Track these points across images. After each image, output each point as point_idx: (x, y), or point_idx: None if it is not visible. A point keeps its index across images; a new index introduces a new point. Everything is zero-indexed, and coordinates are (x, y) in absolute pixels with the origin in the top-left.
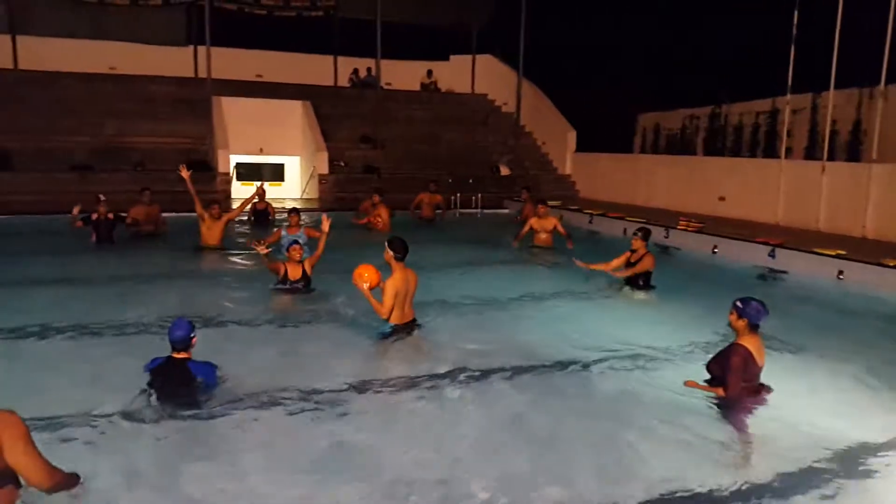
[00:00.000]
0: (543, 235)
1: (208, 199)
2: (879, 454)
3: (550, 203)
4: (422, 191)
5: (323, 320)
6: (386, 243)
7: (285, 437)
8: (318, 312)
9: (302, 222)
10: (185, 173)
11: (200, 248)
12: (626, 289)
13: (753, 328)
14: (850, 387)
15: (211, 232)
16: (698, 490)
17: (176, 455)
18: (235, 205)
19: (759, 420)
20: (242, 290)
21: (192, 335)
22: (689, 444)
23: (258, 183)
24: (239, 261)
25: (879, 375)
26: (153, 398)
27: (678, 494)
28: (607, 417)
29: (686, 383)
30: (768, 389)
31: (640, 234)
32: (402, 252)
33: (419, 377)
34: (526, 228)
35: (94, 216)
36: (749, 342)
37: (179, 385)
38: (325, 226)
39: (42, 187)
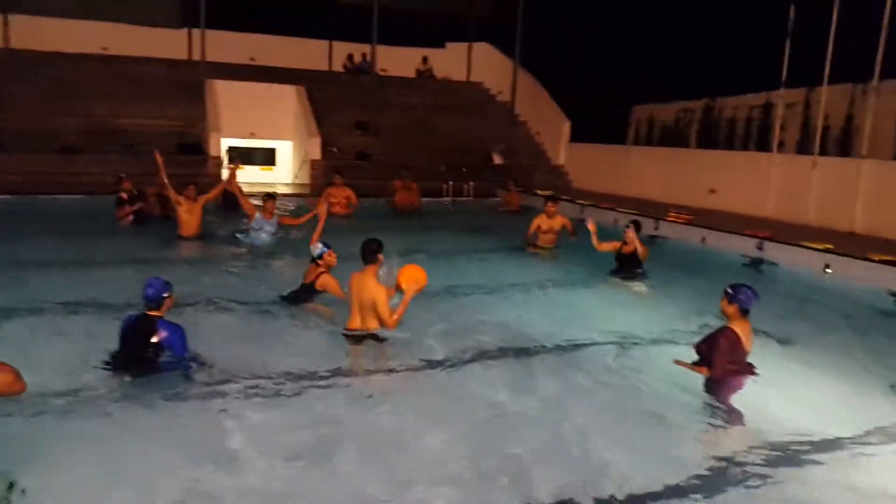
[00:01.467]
0: (549, 235)
1: (182, 182)
2: (853, 442)
3: (540, 193)
4: (396, 178)
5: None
6: None
7: (251, 420)
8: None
9: (277, 210)
10: (159, 158)
11: (181, 238)
12: (617, 278)
13: (744, 313)
14: (832, 376)
15: (191, 216)
16: (677, 468)
17: (139, 432)
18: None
19: (740, 403)
20: (207, 278)
21: (166, 294)
22: (670, 423)
23: (229, 165)
24: (219, 246)
25: (860, 366)
26: (121, 367)
27: (658, 472)
28: (593, 399)
29: (675, 361)
30: (753, 372)
31: (632, 225)
32: (361, 251)
33: (399, 367)
34: (532, 228)
35: (124, 195)
36: (739, 327)
37: (145, 341)
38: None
39: (30, 168)
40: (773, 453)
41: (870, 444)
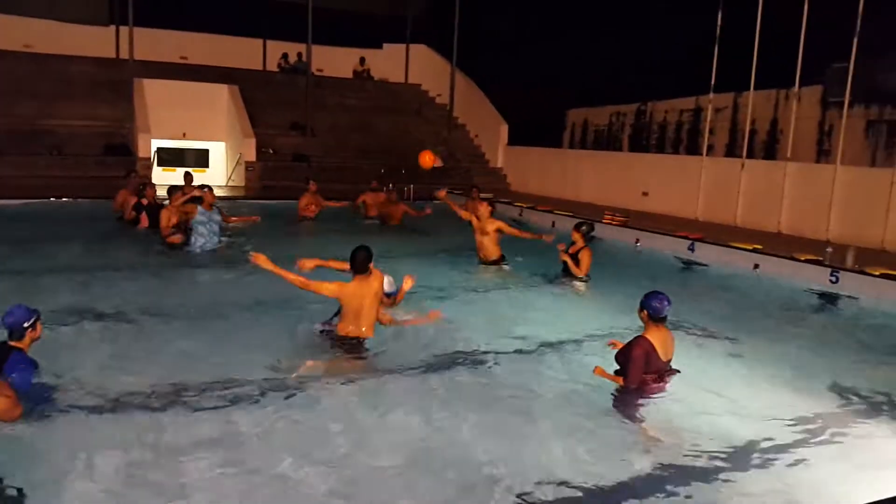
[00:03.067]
0: (485, 241)
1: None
2: (782, 441)
3: (483, 196)
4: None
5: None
6: None
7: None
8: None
9: (219, 205)
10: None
11: (165, 245)
12: (561, 279)
13: (656, 321)
14: (761, 373)
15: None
16: (594, 477)
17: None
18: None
19: (662, 408)
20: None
21: (26, 324)
22: (589, 431)
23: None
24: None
25: (789, 362)
26: None
27: (573, 481)
28: (513, 404)
29: (595, 370)
30: (672, 375)
31: (584, 228)
32: (353, 265)
33: (345, 378)
34: (467, 217)
35: (144, 201)
36: (653, 335)
37: None
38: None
39: None
40: (704, 455)
41: (805, 442)
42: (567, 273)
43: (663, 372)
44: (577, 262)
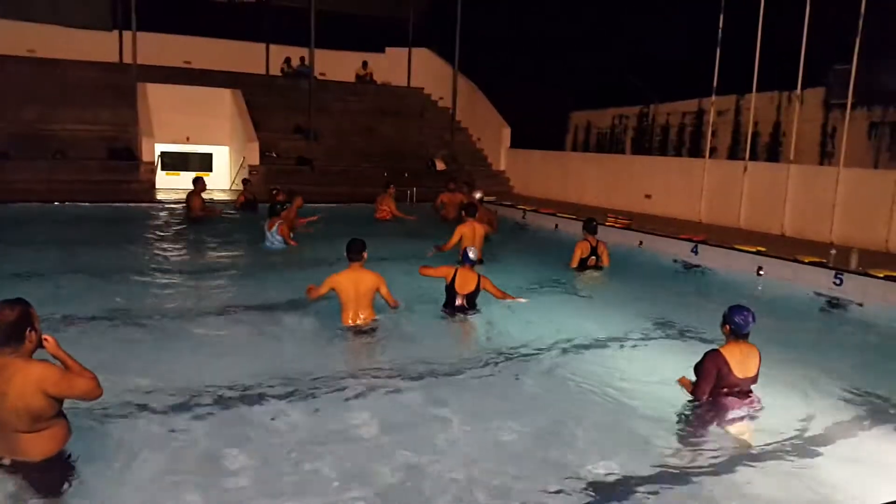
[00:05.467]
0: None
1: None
2: (787, 444)
3: (487, 198)
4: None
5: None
6: None
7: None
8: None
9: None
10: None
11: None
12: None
13: (737, 336)
14: (764, 377)
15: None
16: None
17: None
18: (161, 195)
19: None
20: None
21: None
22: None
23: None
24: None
25: (793, 366)
26: None
27: (619, 486)
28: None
29: (680, 380)
30: (749, 393)
31: (593, 224)
32: (347, 251)
33: (364, 376)
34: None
35: (281, 197)
36: (730, 349)
37: None
38: None
39: None
40: (707, 457)
41: (809, 447)
42: (584, 268)
43: (737, 388)
44: (598, 258)
